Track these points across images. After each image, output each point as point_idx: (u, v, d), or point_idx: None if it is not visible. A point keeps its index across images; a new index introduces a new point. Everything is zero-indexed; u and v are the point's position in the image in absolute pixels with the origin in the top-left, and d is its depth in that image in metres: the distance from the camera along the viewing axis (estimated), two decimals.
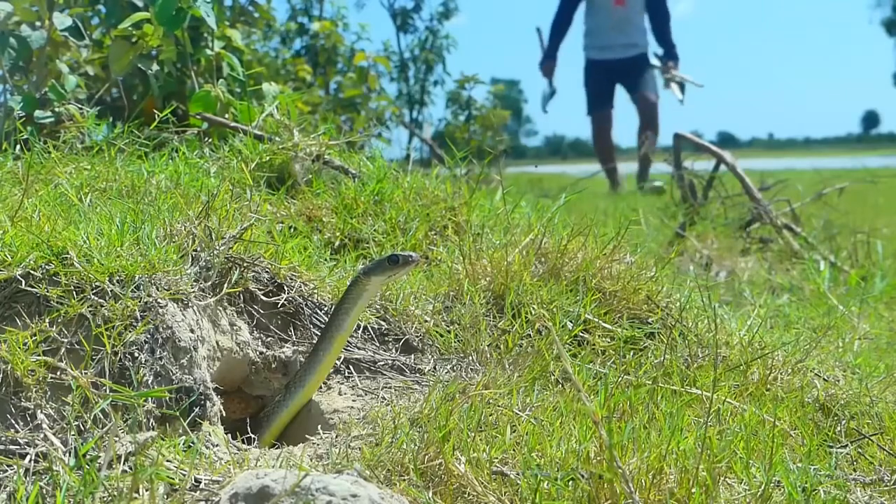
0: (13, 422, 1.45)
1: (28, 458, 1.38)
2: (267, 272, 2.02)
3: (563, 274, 2.24)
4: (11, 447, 1.40)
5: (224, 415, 1.72)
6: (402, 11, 14.52)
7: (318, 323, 2.02)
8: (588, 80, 9.32)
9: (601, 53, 9.13)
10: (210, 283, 1.85)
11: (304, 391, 1.81)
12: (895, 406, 1.97)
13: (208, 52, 3.63)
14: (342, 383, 1.91)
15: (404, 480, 1.41)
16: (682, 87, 8.96)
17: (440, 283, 2.24)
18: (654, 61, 9.13)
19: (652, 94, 9.01)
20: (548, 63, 9.50)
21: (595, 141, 9.34)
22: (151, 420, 1.54)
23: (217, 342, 1.83)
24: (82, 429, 1.45)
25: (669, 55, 9.09)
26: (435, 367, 1.96)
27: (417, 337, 2.06)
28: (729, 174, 5.30)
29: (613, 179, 8.66)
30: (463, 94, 11.21)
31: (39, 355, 1.51)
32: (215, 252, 1.88)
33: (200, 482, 1.38)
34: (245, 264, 1.97)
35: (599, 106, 9.26)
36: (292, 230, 2.45)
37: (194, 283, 1.79)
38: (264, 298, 1.99)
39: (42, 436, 1.43)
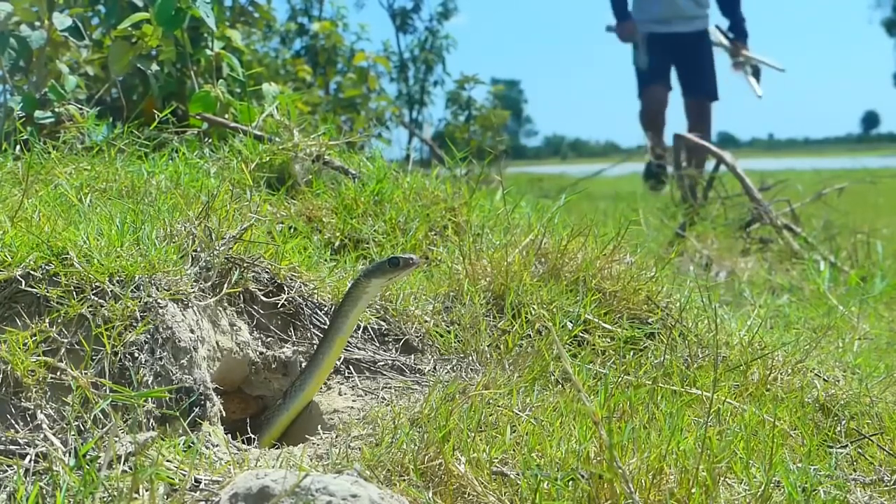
0: (13, 422, 1.45)
1: (28, 458, 1.38)
2: (267, 272, 2.02)
3: (563, 274, 2.24)
4: (11, 447, 1.40)
5: (224, 415, 1.72)
6: (401, 12, 14.51)
7: (318, 323, 2.02)
8: (639, 53, 7.35)
9: (657, 26, 7.19)
10: (210, 283, 1.85)
11: (304, 394, 1.81)
12: (895, 406, 1.97)
13: (208, 52, 3.62)
14: (342, 383, 1.91)
15: (404, 480, 1.41)
16: (756, 74, 7.12)
17: (440, 284, 2.24)
18: (720, 37, 7.22)
19: (706, 101, 7.21)
20: (625, 24, 7.29)
21: (644, 123, 7.31)
22: (151, 420, 1.54)
23: (217, 342, 1.83)
24: (82, 429, 1.45)
25: (737, 32, 7.18)
26: (435, 368, 1.96)
27: (417, 337, 2.06)
28: (729, 174, 5.30)
29: (656, 175, 6.91)
30: (463, 94, 11.22)
31: (39, 355, 1.51)
32: (215, 252, 1.88)
33: (200, 482, 1.38)
34: (245, 264, 1.97)
35: (652, 79, 7.23)
36: (292, 230, 2.45)
37: (194, 284, 1.79)
38: (264, 299, 1.99)
39: (42, 436, 1.43)
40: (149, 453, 1.41)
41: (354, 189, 2.73)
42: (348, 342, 1.94)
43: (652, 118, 7.25)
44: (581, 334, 2.07)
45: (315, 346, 1.90)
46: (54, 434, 1.44)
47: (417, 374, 1.94)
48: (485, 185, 3.32)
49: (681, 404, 1.68)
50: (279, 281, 2.02)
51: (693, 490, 1.39)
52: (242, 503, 1.25)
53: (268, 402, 1.99)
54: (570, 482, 1.39)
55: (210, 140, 3.14)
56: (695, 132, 6.77)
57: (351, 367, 1.95)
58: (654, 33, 7.18)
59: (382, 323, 2.07)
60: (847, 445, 1.78)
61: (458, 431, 1.47)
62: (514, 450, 1.49)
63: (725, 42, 7.18)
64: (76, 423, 1.45)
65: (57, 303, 1.58)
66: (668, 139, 7.23)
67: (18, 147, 2.71)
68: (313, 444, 1.66)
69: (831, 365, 2.22)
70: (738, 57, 7.09)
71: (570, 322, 2.07)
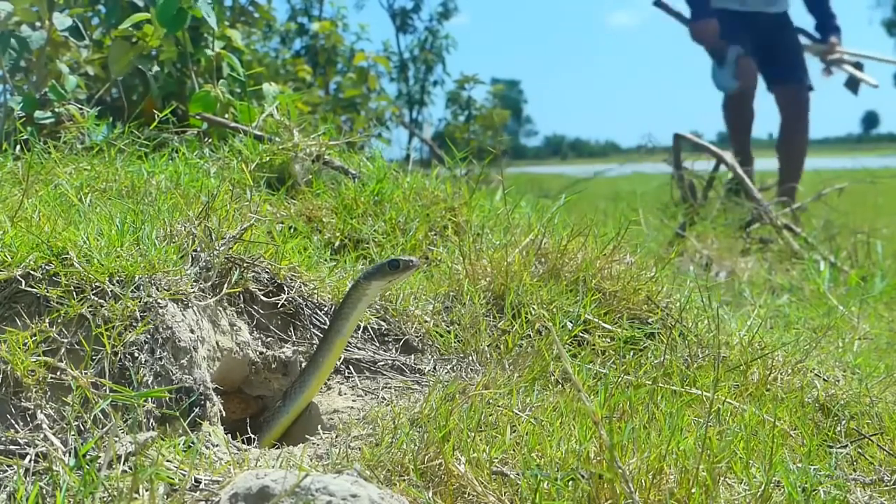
0: (13, 422, 1.45)
1: (28, 458, 1.38)
2: (267, 272, 2.02)
3: (563, 274, 2.24)
4: (11, 447, 1.40)
5: (224, 415, 1.72)
6: (401, 12, 14.54)
7: (318, 323, 2.02)
8: (723, 70, 6.01)
9: (737, 2, 5.95)
10: (210, 283, 1.85)
11: (304, 395, 1.81)
12: (895, 406, 1.97)
13: (208, 52, 3.62)
14: (342, 384, 1.91)
15: (404, 480, 1.41)
16: (859, 68, 5.99)
17: (440, 284, 2.24)
18: (805, 41, 6.18)
19: (800, 87, 5.95)
20: (703, 23, 5.93)
21: (727, 109, 5.95)
22: (151, 420, 1.54)
23: (217, 342, 1.83)
24: (82, 429, 1.45)
25: (827, 29, 6.06)
26: (435, 368, 1.96)
27: (417, 337, 2.06)
28: (729, 174, 5.29)
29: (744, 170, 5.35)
30: (463, 94, 11.23)
31: (39, 355, 1.51)
32: (215, 252, 1.88)
33: (200, 482, 1.38)
34: (245, 264, 1.97)
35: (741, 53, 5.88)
36: (292, 230, 2.45)
37: (194, 284, 1.79)
38: (264, 299, 1.99)
39: (42, 436, 1.43)
40: (149, 453, 1.41)
41: (354, 189, 2.73)
42: (348, 342, 1.94)
43: (740, 103, 5.85)
44: (581, 334, 2.07)
45: (315, 347, 1.90)
46: (54, 434, 1.44)
47: (417, 374, 1.94)
48: (485, 185, 3.32)
49: (681, 404, 1.68)
50: (279, 281, 2.02)
51: (693, 490, 1.39)
52: (242, 503, 1.26)
53: (268, 402, 1.99)
54: (570, 482, 1.39)
55: (210, 140, 3.14)
56: (791, 128, 5.82)
57: (351, 367, 1.95)
58: (735, 11, 5.96)
59: (382, 323, 2.07)
60: (847, 445, 1.78)
61: (458, 431, 1.47)
62: (514, 450, 1.49)
63: (810, 43, 6.15)
64: (76, 423, 1.45)
65: (57, 303, 1.58)
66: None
67: (18, 147, 2.71)
68: (313, 444, 1.66)
69: (831, 365, 2.21)
70: (833, 54, 5.99)
71: (570, 322, 2.07)
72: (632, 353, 2.01)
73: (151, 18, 3.43)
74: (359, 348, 1.99)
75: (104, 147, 2.75)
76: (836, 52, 5.98)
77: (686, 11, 6.07)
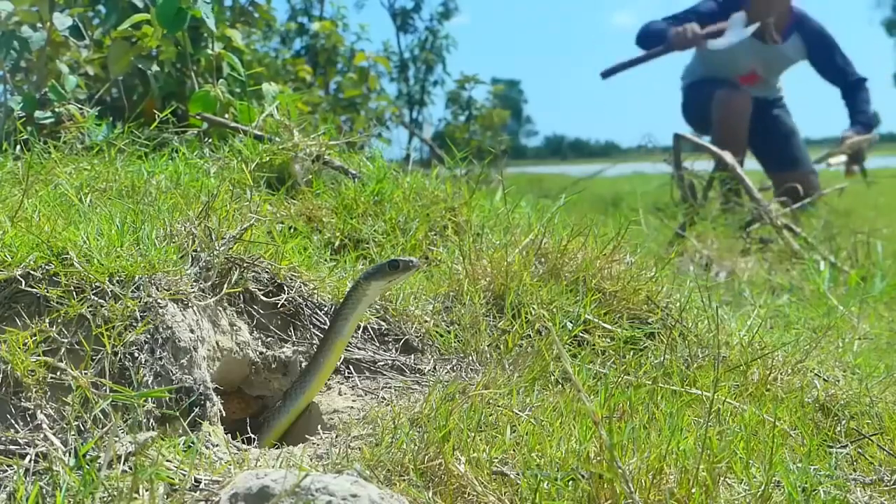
0: (13, 422, 1.45)
1: (28, 458, 1.38)
2: (267, 272, 2.02)
3: (563, 274, 2.24)
4: (11, 447, 1.40)
5: (224, 415, 1.72)
6: (401, 11, 14.56)
7: (318, 323, 2.02)
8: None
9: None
10: (210, 283, 1.85)
11: (304, 396, 1.81)
12: (895, 406, 1.97)
13: (208, 52, 3.62)
14: (342, 383, 1.91)
15: (404, 480, 1.41)
16: (858, 161, 6.01)
17: (440, 284, 2.24)
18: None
19: (794, 174, 5.77)
20: (679, 29, 5.84)
21: (720, 120, 5.97)
22: (151, 420, 1.54)
23: (217, 342, 1.83)
24: (82, 429, 1.45)
25: (852, 121, 6.07)
26: (435, 367, 1.96)
27: (417, 337, 2.06)
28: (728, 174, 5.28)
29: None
30: (463, 94, 11.24)
31: (39, 355, 1.51)
32: (215, 252, 1.88)
33: (200, 482, 1.38)
34: (245, 264, 1.97)
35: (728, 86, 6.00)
36: (292, 230, 2.45)
37: (194, 284, 1.79)
38: (264, 299, 1.99)
39: (42, 436, 1.43)
40: (149, 453, 1.41)
41: (354, 189, 2.73)
42: (348, 342, 1.94)
43: (733, 131, 5.80)
44: (581, 334, 2.07)
45: (315, 347, 1.90)
46: (54, 434, 1.44)
47: (417, 374, 1.94)
48: (485, 185, 3.32)
49: (681, 404, 1.68)
50: (279, 281, 2.02)
51: (693, 490, 1.39)
52: (242, 503, 1.26)
53: (268, 402, 1.99)
54: (570, 482, 1.39)
55: (210, 140, 3.14)
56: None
57: (351, 367, 1.95)
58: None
59: (382, 323, 2.07)
60: (847, 445, 1.78)
61: (458, 431, 1.47)
62: (514, 450, 1.49)
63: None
64: (76, 423, 1.45)
65: (57, 303, 1.58)
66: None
67: (18, 147, 2.71)
68: (313, 444, 1.66)
69: (831, 365, 2.21)
70: (842, 152, 5.99)
71: (570, 322, 2.07)
72: (632, 353, 2.01)
73: (151, 19, 3.42)
74: (359, 348, 1.99)
75: (104, 147, 2.75)
76: (845, 146, 5.96)
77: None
